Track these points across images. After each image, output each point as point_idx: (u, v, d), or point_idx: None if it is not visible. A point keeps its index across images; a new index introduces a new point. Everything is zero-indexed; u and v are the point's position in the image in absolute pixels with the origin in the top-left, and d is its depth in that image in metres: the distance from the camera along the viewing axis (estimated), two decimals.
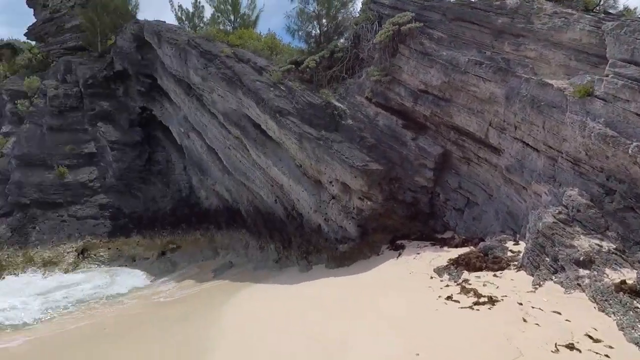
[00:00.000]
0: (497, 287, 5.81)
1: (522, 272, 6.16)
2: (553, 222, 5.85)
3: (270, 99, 11.36)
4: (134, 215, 16.47)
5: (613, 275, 4.97)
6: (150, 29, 15.68)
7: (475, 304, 5.32)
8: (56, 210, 15.79)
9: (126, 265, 14.65)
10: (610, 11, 7.81)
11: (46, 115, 17.13)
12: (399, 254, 9.06)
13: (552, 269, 5.64)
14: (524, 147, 7.57)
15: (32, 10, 20.44)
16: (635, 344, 3.93)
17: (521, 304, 5.07)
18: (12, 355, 7.99)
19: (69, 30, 18.79)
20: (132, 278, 12.90)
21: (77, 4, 18.77)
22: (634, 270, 4.92)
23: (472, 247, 7.91)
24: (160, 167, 17.79)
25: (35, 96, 17.88)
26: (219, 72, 12.91)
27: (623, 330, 4.16)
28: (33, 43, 21.04)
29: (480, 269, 6.64)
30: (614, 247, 5.34)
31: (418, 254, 8.61)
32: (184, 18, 17.77)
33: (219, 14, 16.51)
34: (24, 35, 20.69)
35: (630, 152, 5.37)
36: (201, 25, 17.46)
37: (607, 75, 6.06)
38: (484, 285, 5.97)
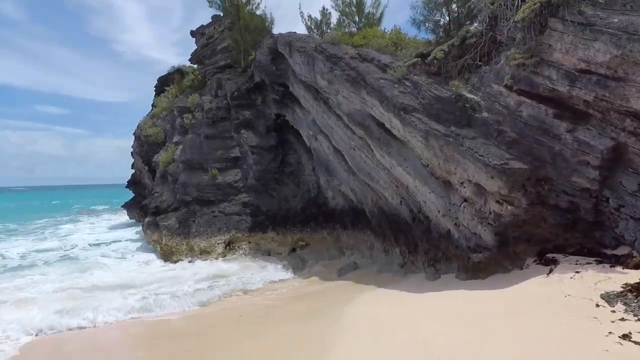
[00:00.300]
0: None
1: None
2: None
3: (394, 96, 10.87)
4: (269, 213, 18.00)
5: None
6: (282, 41, 16.90)
7: None
8: (210, 206, 18.33)
9: (263, 259, 16.03)
10: None
11: (203, 125, 20.09)
12: (550, 271, 7.53)
13: None
14: None
15: (194, 39, 24.43)
16: None
17: None
18: (172, 325, 9.47)
19: (220, 51, 21.75)
20: (266, 271, 14.01)
21: (226, 28, 21.57)
22: None
23: None
24: (292, 169, 19.04)
25: (196, 110, 21.16)
26: (343, 74, 13.03)
27: None
28: (195, 66, 25.05)
29: None
30: None
31: (577, 272, 6.99)
32: (312, 26, 18.62)
33: (344, 17, 16.75)
34: (189, 60, 24.89)
35: None
36: (328, 31, 18.00)
37: None
38: None
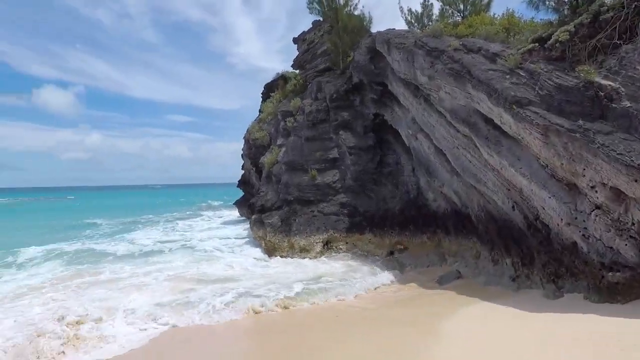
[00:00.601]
0: None
1: None
2: None
3: (504, 88, 9.71)
4: (367, 214, 17.82)
5: None
6: (380, 39, 16.55)
7: None
8: (309, 206, 18.93)
9: (360, 260, 15.93)
10: None
11: (304, 128, 20.87)
12: None
13: None
14: None
15: (296, 46, 25.59)
16: None
17: None
18: (273, 319, 9.95)
19: (320, 55, 22.35)
20: (364, 274, 13.84)
21: (325, 32, 22.07)
22: None
23: None
24: (390, 169, 18.55)
25: (298, 114, 22.09)
26: (445, 68, 12.15)
27: None
28: (297, 71, 26.22)
29: None
30: None
31: None
32: (413, 21, 17.85)
33: (447, 7, 15.64)
34: (291, 66, 26.16)
35: None
36: (429, 24, 17.06)
37: None
38: None
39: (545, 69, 9.27)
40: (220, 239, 22.39)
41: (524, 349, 6.22)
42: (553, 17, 10.68)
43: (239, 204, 33.68)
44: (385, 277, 13.30)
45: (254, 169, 26.68)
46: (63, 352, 7.63)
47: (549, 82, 8.98)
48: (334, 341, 7.99)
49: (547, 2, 10.70)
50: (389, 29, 17.13)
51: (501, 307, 9.07)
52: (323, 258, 16.58)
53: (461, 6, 15.30)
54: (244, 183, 32.48)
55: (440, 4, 16.10)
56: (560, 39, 9.17)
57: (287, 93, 25.35)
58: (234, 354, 8.09)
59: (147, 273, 14.29)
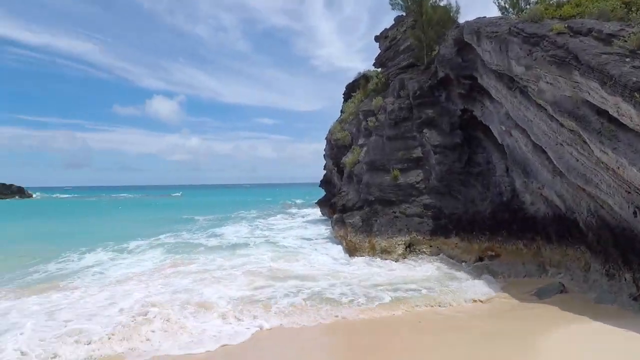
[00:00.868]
0: None
1: None
2: None
3: (623, 74, 8.32)
4: (453, 216, 16.79)
5: None
6: (468, 29, 15.45)
7: None
8: (391, 207, 18.48)
9: (446, 265, 15.07)
10: None
11: (386, 127, 20.46)
12: None
13: None
14: None
15: (377, 44, 25.24)
16: None
17: None
18: (355, 323, 9.83)
19: (402, 52, 21.71)
20: (450, 281, 13.03)
21: (408, 27, 21.36)
22: None
23: None
24: (480, 169, 17.22)
25: (379, 113, 21.75)
26: (546, 56, 10.85)
27: None
28: (379, 70, 25.85)
29: None
30: None
31: None
32: (507, 5, 16.38)
33: None
34: (373, 65, 25.88)
35: None
36: (527, 7, 15.45)
37: None
38: None
39: None
40: (302, 237, 23.08)
41: None
42: None
43: (321, 203, 34.34)
44: (475, 285, 12.32)
45: (336, 168, 26.97)
46: (148, 339, 8.25)
47: None
48: (420, 350, 7.63)
49: None
50: (479, 18, 15.92)
51: (616, 329, 7.79)
52: (407, 261, 16.05)
53: None
54: (326, 183, 33.02)
55: None
56: None
57: (369, 92, 25.12)
58: (318, 356, 8.19)
59: (233, 266, 15.33)
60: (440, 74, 17.89)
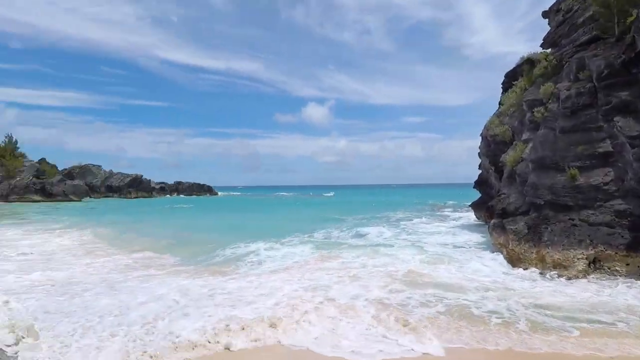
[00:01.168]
0: None
1: None
2: None
3: None
4: None
5: None
6: None
7: None
8: (567, 213, 15.44)
9: None
10: None
11: (559, 118, 17.24)
12: None
13: None
14: None
15: (546, 21, 21.49)
16: None
17: None
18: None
19: (581, 25, 17.89)
20: None
21: None
22: None
23: None
24: None
25: (549, 102, 18.50)
26: None
27: None
28: (547, 51, 22.02)
29: None
30: None
31: None
32: None
33: None
34: (540, 46, 22.20)
35: None
36: None
37: None
38: None
39: None
40: (452, 242, 21.41)
41: None
42: None
43: (475, 206, 31.53)
44: None
45: (493, 168, 24.25)
46: (301, 331, 8.55)
47: None
48: None
49: None
50: None
51: None
52: (590, 280, 13.07)
53: None
54: (481, 183, 30.18)
55: None
56: None
57: (535, 78, 21.65)
58: None
59: (375, 265, 15.22)
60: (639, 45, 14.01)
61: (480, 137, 27.71)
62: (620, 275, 13.02)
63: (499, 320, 9.25)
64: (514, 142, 20.69)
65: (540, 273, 14.11)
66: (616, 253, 13.54)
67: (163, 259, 17.95)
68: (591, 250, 14.00)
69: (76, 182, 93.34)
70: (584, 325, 8.98)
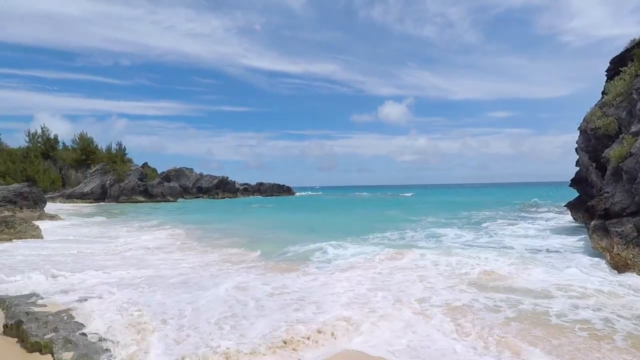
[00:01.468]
0: None
1: None
2: None
3: None
4: None
5: None
6: None
7: None
8: None
9: None
10: None
11: None
12: None
13: None
14: None
15: None
16: None
17: None
18: None
19: None
20: None
21: None
22: None
23: None
24: None
25: None
26: None
27: None
28: None
29: None
30: None
31: None
32: None
33: None
34: None
35: None
36: None
37: None
38: None
39: None
40: (542, 245, 19.46)
41: None
42: None
43: (571, 206, 28.36)
44: None
45: (594, 164, 21.56)
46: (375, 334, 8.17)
47: None
48: None
49: None
50: None
51: None
52: None
53: None
54: (578, 181, 27.08)
55: None
56: None
57: None
58: None
59: (450, 266, 14.56)
60: None
61: (579, 131, 24.78)
62: None
63: (605, 333, 7.88)
64: (621, 135, 18.20)
65: None
66: None
67: (246, 255, 19.01)
68: None
69: (172, 184, 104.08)
70: None
